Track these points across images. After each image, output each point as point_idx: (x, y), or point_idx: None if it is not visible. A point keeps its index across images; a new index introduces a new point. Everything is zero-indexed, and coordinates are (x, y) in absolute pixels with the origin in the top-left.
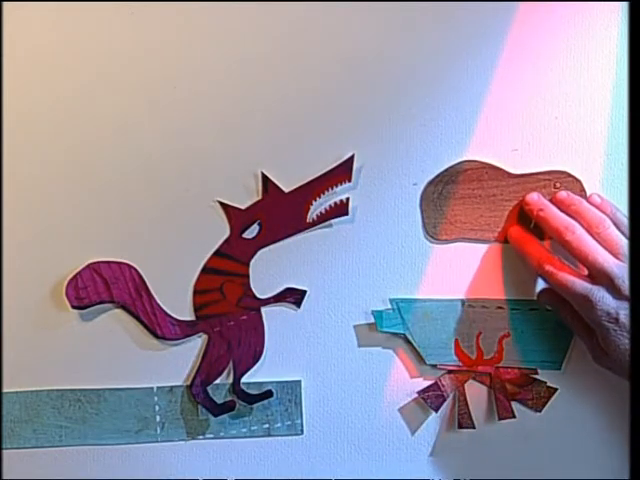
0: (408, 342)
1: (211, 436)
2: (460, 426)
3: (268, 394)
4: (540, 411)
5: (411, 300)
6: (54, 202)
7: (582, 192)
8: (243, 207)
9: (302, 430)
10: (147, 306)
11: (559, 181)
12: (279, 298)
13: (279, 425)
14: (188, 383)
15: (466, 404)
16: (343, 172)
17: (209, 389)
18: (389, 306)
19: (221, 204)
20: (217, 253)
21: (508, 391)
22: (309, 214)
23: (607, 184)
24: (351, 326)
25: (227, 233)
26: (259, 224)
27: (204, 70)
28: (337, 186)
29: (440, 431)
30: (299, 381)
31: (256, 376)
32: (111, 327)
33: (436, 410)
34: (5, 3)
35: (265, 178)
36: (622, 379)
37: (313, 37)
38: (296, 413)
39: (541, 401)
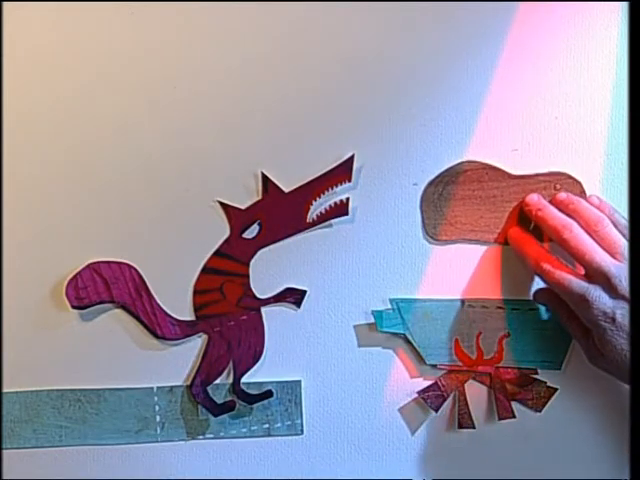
0: (408, 342)
1: (211, 436)
2: (460, 426)
3: (268, 394)
4: (540, 411)
5: (411, 300)
6: (54, 202)
7: (582, 194)
8: (243, 207)
9: (302, 430)
10: (147, 306)
11: (559, 182)
12: (279, 298)
13: (279, 425)
14: (188, 383)
15: (466, 404)
16: (343, 172)
17: (209, 389)
18: (389, 306)
19: (221, 204)
20: (217, 253)
21: (508, 391)
22: (309, 214)
23: (607, 184)
24: (351, 326)
25: (227, 233)
26: (259, 224)
27: (204, 70)
28: (337, 186)
29: (440, 431)
30: (299, 381)
31: (256, 376)
32: (111, 327)
33: (436, 410)
34: (5, 3)
35: (265, 178)
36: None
37: (313, 37)
38: (296, 413)
39: (541, 401)
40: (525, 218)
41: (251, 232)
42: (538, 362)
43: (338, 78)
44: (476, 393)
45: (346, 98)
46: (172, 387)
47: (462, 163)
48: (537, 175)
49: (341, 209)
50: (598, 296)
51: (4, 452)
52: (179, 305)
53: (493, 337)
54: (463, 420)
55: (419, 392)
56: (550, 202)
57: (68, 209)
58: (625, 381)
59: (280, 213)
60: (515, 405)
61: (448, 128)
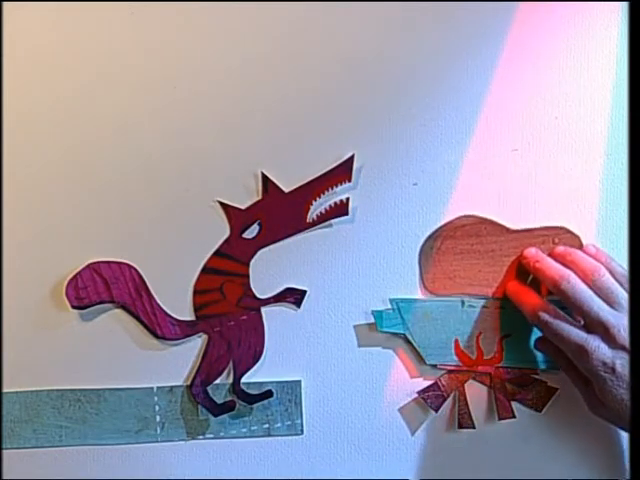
0: (408, 342)
1: (211, 436)
2: (460, 426)
3: (268, 394)
4: (540, 411)
5: (411, 300)
6: (54, 202)
7: (580, 247)
8: (243, 207)
9: (302, 430)
10: (147, 306)
11: (557, 237)
12: (279, 298)
13: (279, 425)
14: (188, 383)
15: (466, 404)
16: (343, 172)
17: (209, 389)
18: (389, 306)
19: (221, 204)
20: (217, 253)
21: (508, 391)
22: (309, 214)
23: (607, 184)
24: (351, 326)
25: (227, 233)
26: (259, 224)
27: (204, 70)
28: (337, 186)
29: (440, 431)
30: (299, 381)
31: (256, 376)
32: (111, 327)
33: (436, 410)
34: (5, 3)
35: (265, 178)
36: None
37: (313, 37)
38: (296, 413)
39: (541, 401)
40: (523, 271)
41: (251, 232)
42: (538, 362)
43: (338, 78)
44: (476, 393)
45: (346, 98)
46: (172, 387)
47: (460, 217)
48: (535, 229)
49: (341, 209)
50: (597, 346)
51: (4, 452)
52: (179, 305)
53: (493, 337)
54: (463, 420)
55: (419, 392)
56: (548, 255)
57: (68, 209)
58: (626, 430)
59: (280, 213)
60: (515, 405)
61: (448, 128)
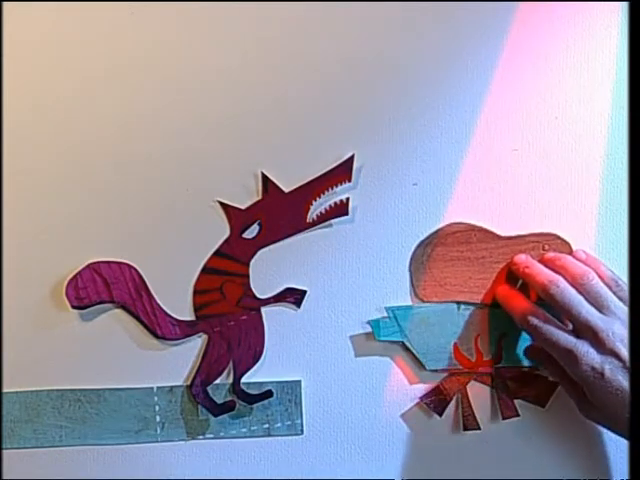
0: (407, 349)
1: (211, 436)
2: (465, 428)
3: (268, 394)
4: (544, 406)
5: (407, 307)
6: (54, 202)
7: (570, 253)
8: (243, 207)
9: (302, 430)
10: (147, 306)
11: (548, 243)
12: (279, 298)
13: (279, 425)
14: (188, 383)
15: (470, 406)
16: (343, 172)
17: (209, 389)
18: (385, 314)
19: (221, 204)
20: (217, 253)
21: (510, 389)
22: (309, 214)
23: (607, 184)
24: (351, 326)
25: (227, 233)
26: (259, 224)
27: (204, 70)
28: (337, 186)
29: (445, 434)
30: (299, 381)
31: (256, 376)
32: (111, 327)
33: (440, 414)
34: (5, 3)
35: (265, 178)
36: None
37: (313, 37)
38: (296, 413)
39: (544, 396)
40: (513, 277)
41: (251, 232)
42: None
43: (338, 78)
44: (478, 394)
45: (346, 98)
46: (172, 387)
47: (450, 225)
48: (525, 236)
49: (341, 209)
50: (586, 352)
51: (4, 452)
52: (179, 305)
53: (491, 338)
54: (468, 422)
55: (421, 397)
56: (538, 261)
57: (68, 209)
58: (618, 433)
59: (280, 213)
60: (519, 402)
61: (448, 128)
